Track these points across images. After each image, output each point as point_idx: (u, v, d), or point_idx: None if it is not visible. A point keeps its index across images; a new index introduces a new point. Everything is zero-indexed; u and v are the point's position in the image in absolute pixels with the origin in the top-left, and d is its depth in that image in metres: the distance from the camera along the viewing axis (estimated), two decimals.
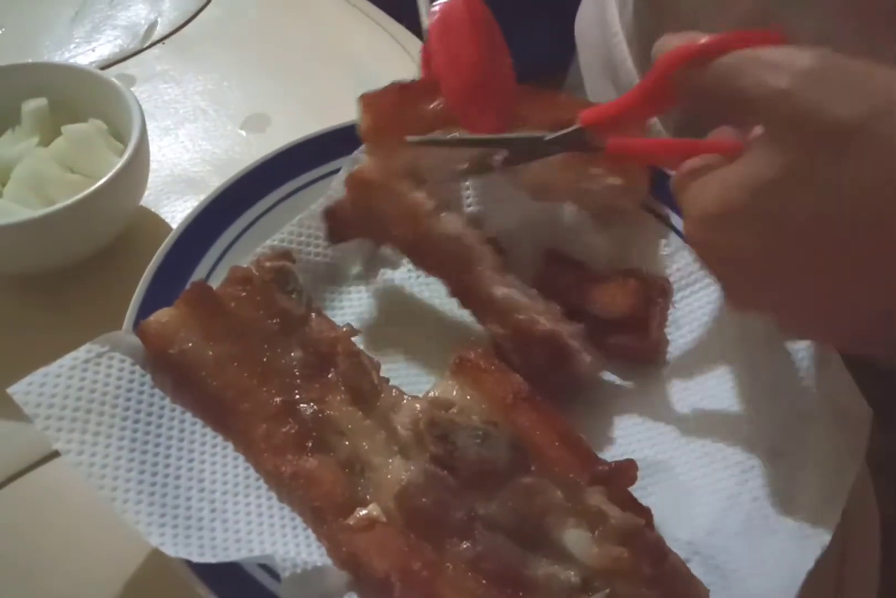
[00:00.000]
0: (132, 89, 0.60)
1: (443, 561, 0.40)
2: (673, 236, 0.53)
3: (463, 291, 0.49)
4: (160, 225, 0.63)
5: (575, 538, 0.39)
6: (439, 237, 0.48)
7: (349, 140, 0.55)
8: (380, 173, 0.50)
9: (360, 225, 0.51)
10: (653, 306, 0.50)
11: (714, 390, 0.48)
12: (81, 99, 0.60)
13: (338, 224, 0.52)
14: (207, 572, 0.39)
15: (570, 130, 0.44)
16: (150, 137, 0.58)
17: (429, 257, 0.49)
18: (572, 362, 0.47)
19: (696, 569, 0.40)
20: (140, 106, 0.58)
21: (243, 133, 0.71)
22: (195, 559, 0.38)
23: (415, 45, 0.78)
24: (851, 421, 0.42)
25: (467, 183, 0.57)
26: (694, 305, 0.51)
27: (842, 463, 0.41)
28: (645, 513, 0.42)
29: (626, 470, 0.42)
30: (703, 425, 0.46)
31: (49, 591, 0.46)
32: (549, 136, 0.45)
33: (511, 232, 0.56)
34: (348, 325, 0.47)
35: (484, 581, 0.39)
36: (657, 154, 0.46)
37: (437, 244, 0.48)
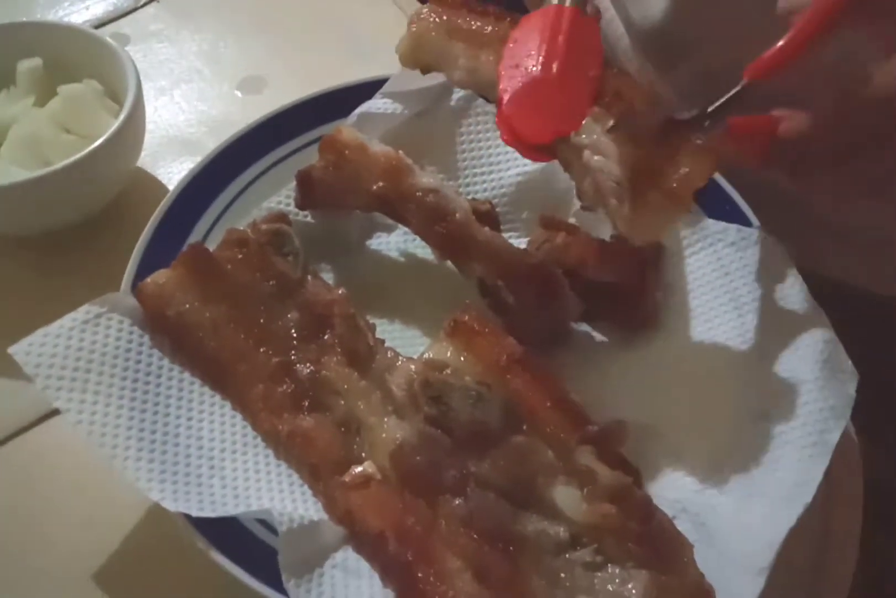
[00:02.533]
0: (127, 49, 0.59)
1: (436, 518, 0.41)
2: None
3: (446, 240, 0.49)
4: (157, 186, 0.63)
5: (564, 495, 0.40)
6: (420, 190, 0.49)
7: (346, 102, 0.55)
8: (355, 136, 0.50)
9: (333, 189, 0.51)
10: (647, 270, 0.51)
11: (704, 353, 0.48)
12: (76, 59, 0.60)
13: (310, 188, 0.52)
14: (206, 526, 0.40)
15: (734, 92, 0.40)
16: (145, 98, 0.58)
17: (409, 211, 0.49)
18: (561, 295, 0.48)
19: (682, 526, 0.41)
20: (135, 66, 0.57)
21: (239, 94, 0.71)
22: (194, 513, 0.39)
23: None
24: (838, 383, 0.42)
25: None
26: (687, 269, 0.51)
27: (827, 425, 0.42)
28: (634, 472, 0.43)
29: (617, 431, 0.43)
30: (693, 387, 0.47)
31: (52, 542, 0.47)
32: (711, 106, 0.40)
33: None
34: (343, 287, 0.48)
35: (476, 537, 0.40)
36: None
37: (418, 197, 0.49)
